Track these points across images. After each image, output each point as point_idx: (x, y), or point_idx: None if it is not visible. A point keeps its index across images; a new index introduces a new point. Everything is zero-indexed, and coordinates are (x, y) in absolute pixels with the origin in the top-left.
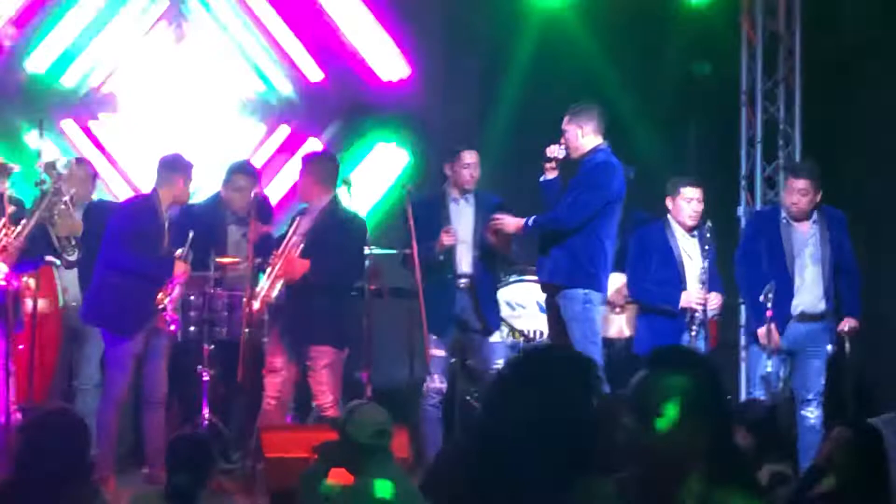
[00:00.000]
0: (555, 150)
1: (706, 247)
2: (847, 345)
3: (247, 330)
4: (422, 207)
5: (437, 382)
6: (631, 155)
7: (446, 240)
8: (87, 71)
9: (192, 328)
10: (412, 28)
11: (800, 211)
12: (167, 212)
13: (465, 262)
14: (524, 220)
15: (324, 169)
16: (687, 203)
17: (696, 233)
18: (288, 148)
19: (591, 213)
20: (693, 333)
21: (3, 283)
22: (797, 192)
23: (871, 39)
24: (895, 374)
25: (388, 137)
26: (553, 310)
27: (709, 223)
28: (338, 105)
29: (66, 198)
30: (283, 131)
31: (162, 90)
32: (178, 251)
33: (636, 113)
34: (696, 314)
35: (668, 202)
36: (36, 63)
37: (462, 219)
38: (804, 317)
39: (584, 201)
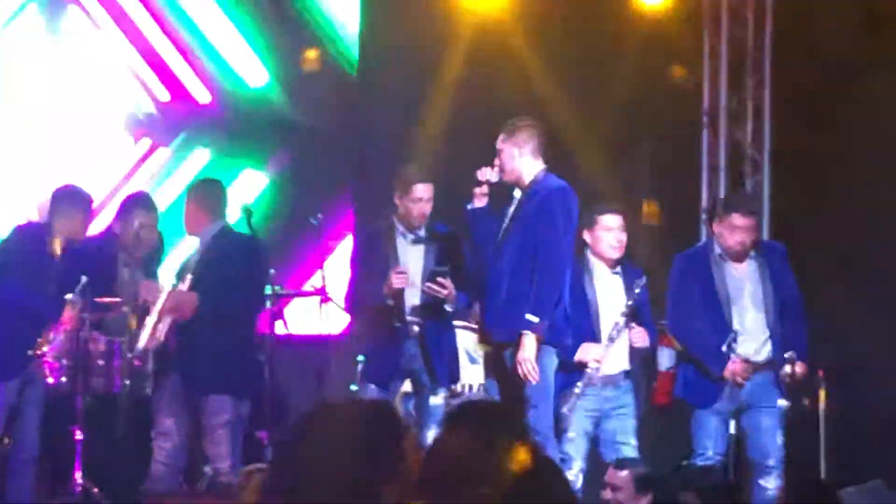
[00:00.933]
0: (487, 174)
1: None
2: (804, 397)
3: (127, 381)
4: (366, 241)
5: None
6: (574, 182)
7: (396, 282)
8: None
9: (63, 379)
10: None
11: (744, 251)
12: (59, 248)
13: (412, 303)
14: (526, 326)
15: (208, 196)
16: (608, 232)
17: (619, 271)
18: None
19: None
20: (576, 391)
21: None
22: (743, 231)
23: (853, 52)
24: (883, 429)
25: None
26: (500, 365)
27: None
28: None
29: None
30: (144, 143)
31: (28, 91)
32: (69, 295)
33: (581, 133)
34: (589, 372)
35: (586, 235)
36: None
37: (410, 256)
38: (748, 369)
39: (566, 242)
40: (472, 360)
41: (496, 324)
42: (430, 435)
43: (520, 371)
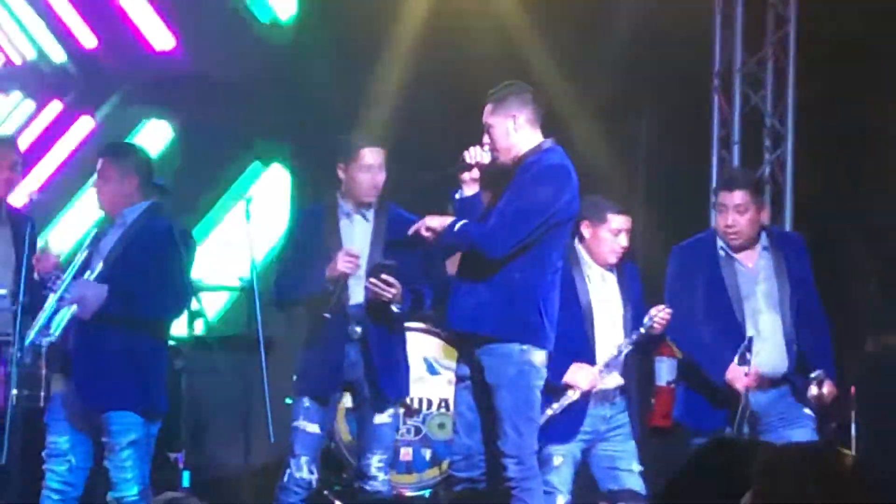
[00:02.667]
0: (477, 154)
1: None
2: (833, 421)
3: (14, 391)
4: (304, 223)
5: (303, 470)
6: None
7: (343, 264)
8: None
9: None
10: None
11: (739, 236)
12: None
13: (355, 300)
14: (450, 222)
15: (139, 167)
16: (613, 236)
17: (614, 271)
18: (59, 128)
19: (529, 236)
20: (549, 412)
21: None
22: (732, 210)
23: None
24: None
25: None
26: (473, 372)
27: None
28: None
29: None
30: (55, 107)
31: None
32: None
33: (572, 101)
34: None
35: (585, 228)
36: None
37: (356, 241)
38: (764, 382)
39: (523, 217)
40: (432, 371)
41: (454, 310)
42: (376, 461)
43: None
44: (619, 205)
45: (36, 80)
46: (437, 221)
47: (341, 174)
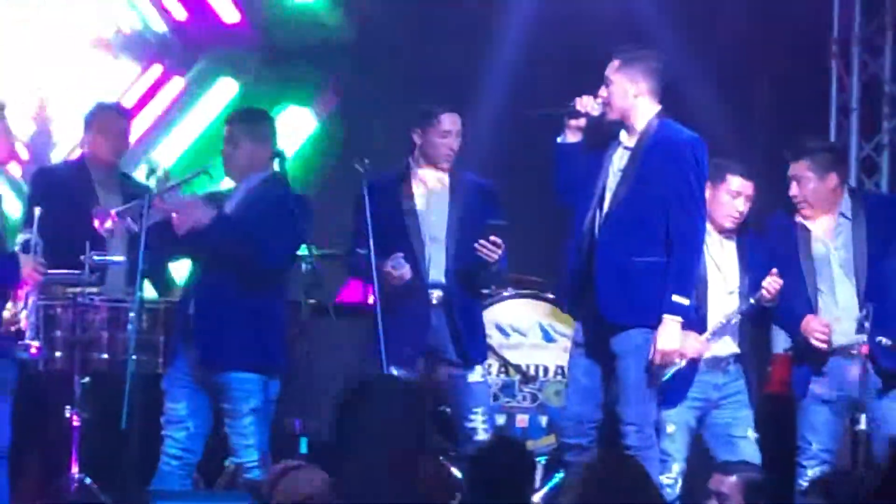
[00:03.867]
0: (589, 104)
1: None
2: None
3: (134, 357)
4: (376, 189)
5: None
6: (683, 120)
7: (395, 278)
8: None
9: (57, 354)
10: None
11: (804, 205)
12: None
13: (436, 267)
14: (670, 321)
15: (266, 135)
16: (731, 198)
17: (734, 239)
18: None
19: None
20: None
21: None
22: (793, 180)
23: None
24: None
25: (295, 96)
26: (595, 339)
27: None
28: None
29: None
30: (156, 71)
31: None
32: (20, 237)
33: (689, 68)
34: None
35: (706, 190)
36: None
37: (434, 208)
38: (842, 350)
39: (703, 204)
40: (548, 338)
41: (613, 302)
42: (480, 420)
43: (658, 361)
44: (740, 166)
45: (141, 47)
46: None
47: (417, 139)
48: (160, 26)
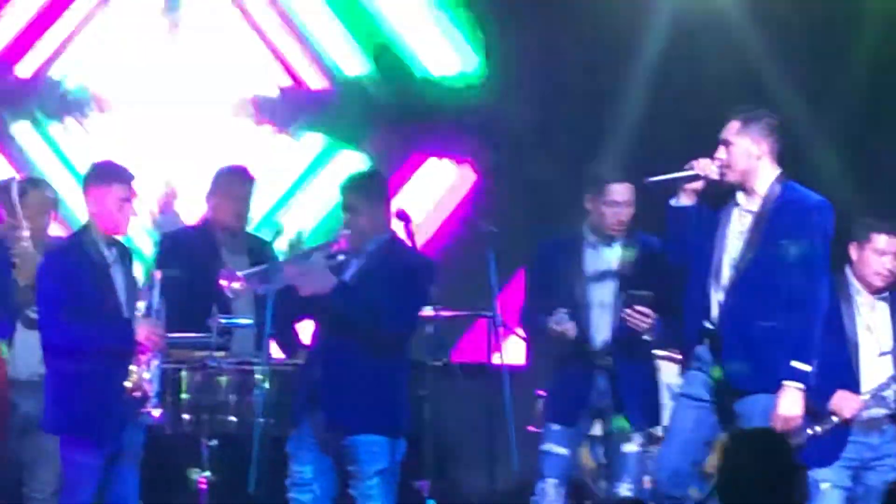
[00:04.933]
0: (707, 167)
1: None
2: None
3: (262, 419)
4: (550, 253)
5: (550, 494)
6: (806, 180)
7: (556, 332)
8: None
9: (185, 417)
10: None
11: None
12: (110, 247)
13: (603, 330)
14: (792, 388)
15: (378, 196)
16: (878, 257)
17: (887, 299)
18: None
19: None
20: (810, 432)
21: None
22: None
23: None
24: None
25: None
26: (713, 395)
27: None
28: (381, 105)
29: (26, 233)
30: (314, 140)
31: (155, 87)
32: (140, 303)
33: (811, 127)
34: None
35: (852, 251)
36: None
37: (600, 271)
38: None
39: (827, 269)
40: (673, 396)
41: (738, 367)
42: (624, 489)
43: (780, 427)
44: (884, 224)
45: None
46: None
47: (588, 206)
48: (291, 91)
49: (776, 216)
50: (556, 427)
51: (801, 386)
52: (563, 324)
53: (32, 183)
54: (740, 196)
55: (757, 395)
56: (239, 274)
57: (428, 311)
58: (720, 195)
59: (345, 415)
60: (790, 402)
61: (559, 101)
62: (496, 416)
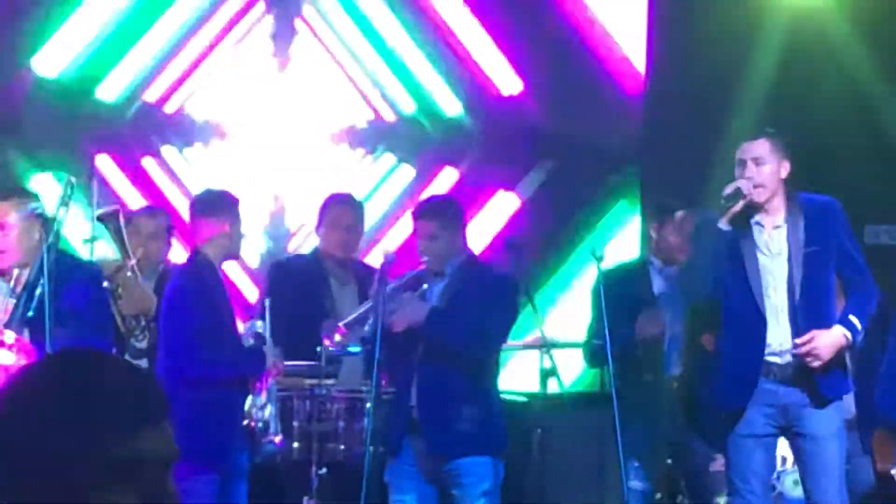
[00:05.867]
0: (746, 188)
1: None
2: None
3: (372, 448)
4: (614, 280)
5: None
6: None
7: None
8: (137, 82)
9: (295, 445)
10: None
11: None
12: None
13: (676, 357)
14: (837, 325)
15: (454, 220)
16: None
17: None
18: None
19: None
20: None
21: None
22: None
23: None
24: None
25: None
26: (779, 426)
27: None
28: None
29: (132, 262)
30: (449, 176)
31: (265, 116)
32: (257, 326)
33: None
34: None
35: None
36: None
37: (671, 298)
38: None
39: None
40: None
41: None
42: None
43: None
44: None
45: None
46: (830, 346)
47: (653, 234)
48: (390, 117)
49: (813, 219)
50: (636, 463)
51: (850, 335)
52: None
53: (146, 211)
54: (762, 216)
55: (829, 412)
56: (340, 325)
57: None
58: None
59: (447, 439)
60: (834, 337)
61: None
62: (607, 446)
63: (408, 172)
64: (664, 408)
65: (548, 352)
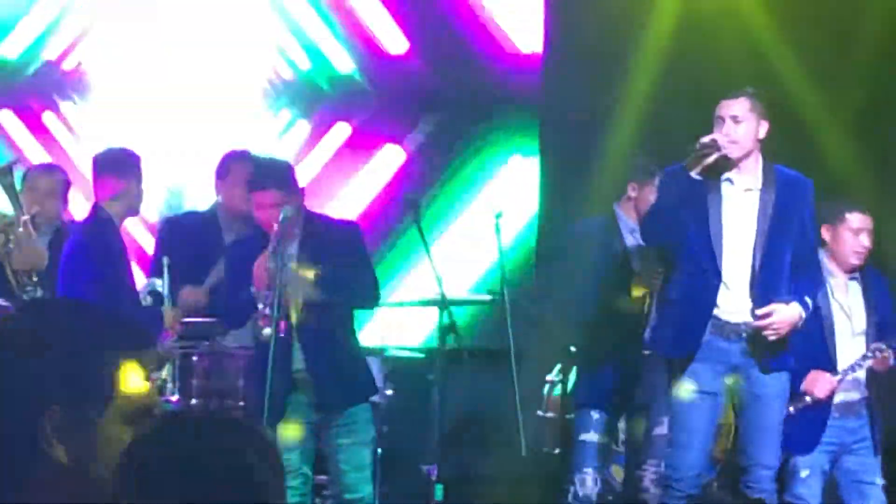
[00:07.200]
0: (723, 142)
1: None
2: None
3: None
4: (582, 236)
5: (587, 485)
6: (814, 170)
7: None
8: (39, 40)
9: (193, 402)
10: None
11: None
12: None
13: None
14: (795, 303)
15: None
16: (854, 235)
17: (858, 280)
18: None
19: None
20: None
21: None
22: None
23: None
24: None
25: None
26: (731, 385)
27: None
28: (436, 91)
29: (25, 217)
30: (342, 131)
31: (152, 65)
32: (156, 284)
33: (821, 108)
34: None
35: (825, 233)
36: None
37: (638, 254)
38: None
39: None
40: None
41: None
42: (650, 473)
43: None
44: (857, 203)
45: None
46: (788, 320)
47: (632, 192)
48: (287, 75)
49: (784, 192)
50: (596, 415)
51: (804, 314)
52: None
53: (42, 168)
54: (734, 175)
55: (777, 373)
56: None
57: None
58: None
59: (339, 391)
60: (793, 313)
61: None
62: (503, 401)
63: (303, 128)
64: (637, 363)
65: (447, 308)
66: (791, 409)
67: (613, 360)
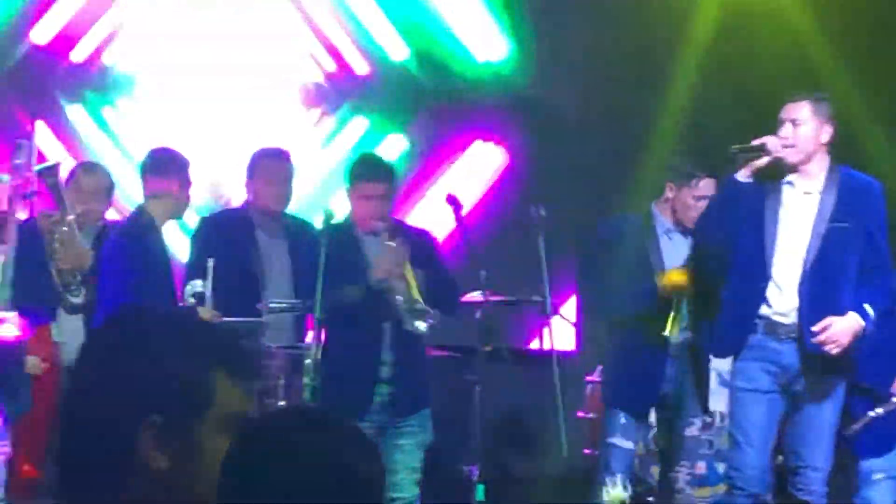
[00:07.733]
0: (776, 145)
1: None
2: None
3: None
4: (614, 232)
5: (619, 487)
6: (857, 165)
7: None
8: (98, 43)
9: None
10: None
11: None
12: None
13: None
14: (852, 313)
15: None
16: None
17: None
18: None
19: None
20: (872, 414)
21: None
22: None
23: None
24: None
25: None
26: (788, 383)
27: None
28: (426, 91)
29: (70, 217)
30: (359, 124)
31: (198, 69)
32: (197, 286)
33: (864, 108)
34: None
35: None
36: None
37: (675, 259)
38: None
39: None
40: (724, 383)
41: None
42: (684, 474)
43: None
44: None
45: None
46: (848, 332)
47: (670, 193)
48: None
49: (847, 196)
50: (624, 419)
51: (863, 323)
52: None
53: (87, 167)
54: (795, 178)
55: (832, 376)
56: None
57: (477, 296)
58: (771, 176)
59: (414, 393)
60: (850, 324)
61: (606, 86)
62: (545, 402)
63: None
64: (662, 361)
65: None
66: (880, 410)
67: (641, 360)
